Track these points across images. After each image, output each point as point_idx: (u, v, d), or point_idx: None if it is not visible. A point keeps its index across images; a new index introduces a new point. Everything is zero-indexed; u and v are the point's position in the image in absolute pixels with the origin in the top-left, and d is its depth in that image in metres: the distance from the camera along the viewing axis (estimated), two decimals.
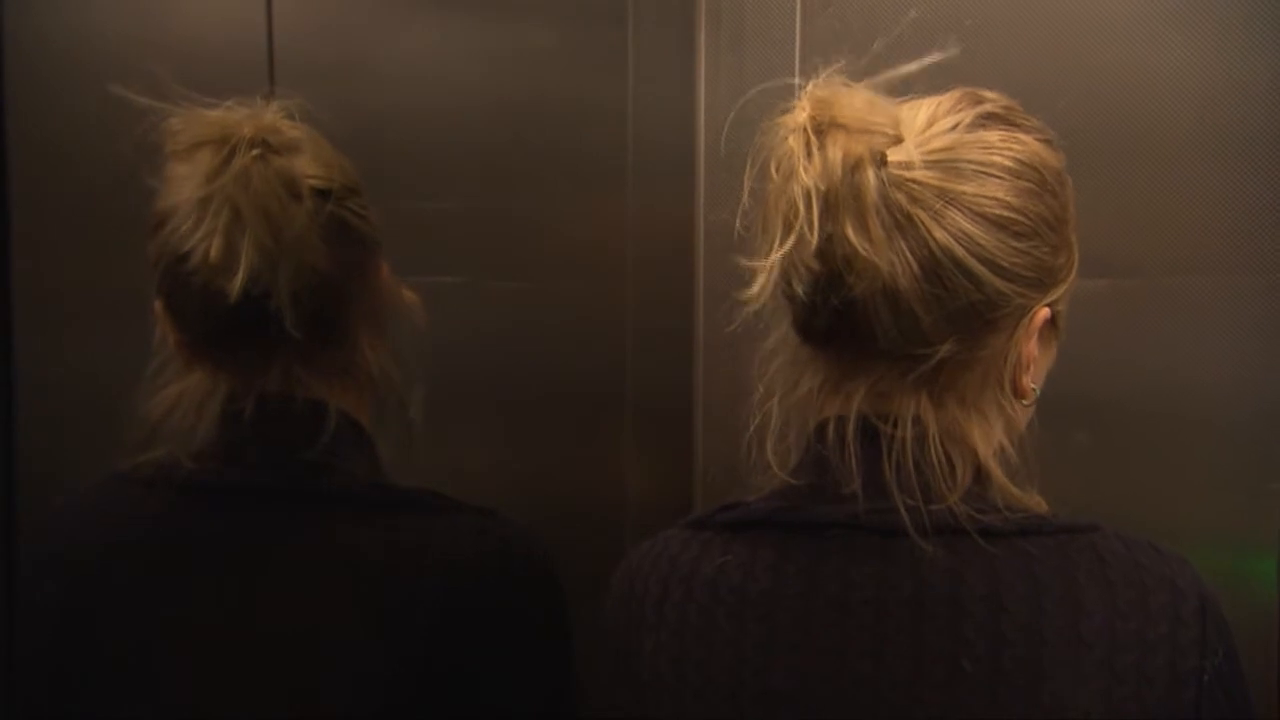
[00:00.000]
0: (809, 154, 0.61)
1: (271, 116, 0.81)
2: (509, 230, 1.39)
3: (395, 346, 0.90)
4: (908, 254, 0.61)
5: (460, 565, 0.79)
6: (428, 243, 1.37)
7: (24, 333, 1.52)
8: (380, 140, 1.31)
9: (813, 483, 0.67)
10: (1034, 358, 0.67)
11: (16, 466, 1.52)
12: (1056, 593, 0.61)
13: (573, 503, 1.39)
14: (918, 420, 0.65)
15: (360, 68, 1.39)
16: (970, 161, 0.63)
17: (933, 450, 0.64)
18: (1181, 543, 0.66)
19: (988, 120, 0.65)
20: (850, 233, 0.60)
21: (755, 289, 0.63)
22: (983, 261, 0.62)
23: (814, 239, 0.60)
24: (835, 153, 0.61)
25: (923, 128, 0.64)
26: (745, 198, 0.65)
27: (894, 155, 0.62)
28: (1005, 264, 0.63)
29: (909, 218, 0.61)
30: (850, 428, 0.65)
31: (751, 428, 0.69)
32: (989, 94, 0.67)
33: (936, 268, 0.61)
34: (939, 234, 0.61)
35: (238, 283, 0.75)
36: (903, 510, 0.63)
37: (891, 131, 0.63)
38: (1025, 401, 0.68)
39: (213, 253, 0.75)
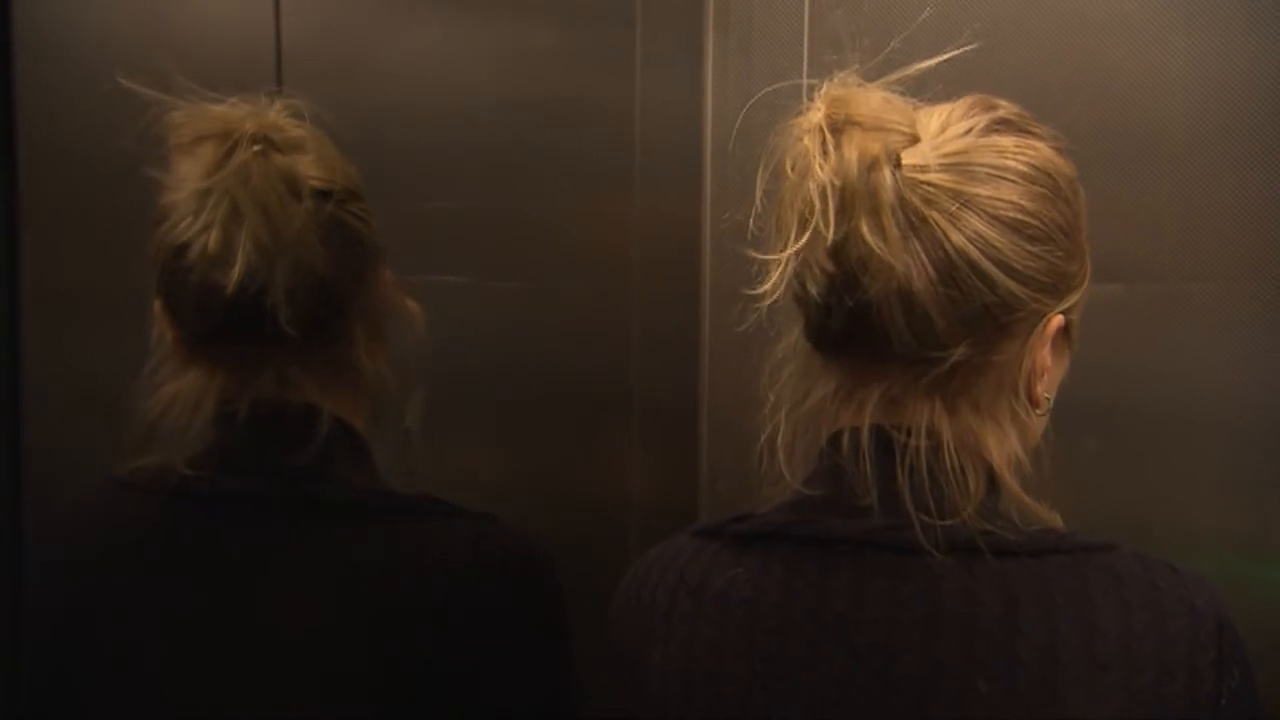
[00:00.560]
0: (825, 151, 0.61)
1: (275, 114, 0.81)
2: (514, 231, 1.39)
3: (394, 353, 0.90)
4: (922, 255, 0.61)
5: (459, 571, 0.79)
6: (432, 242, 1.38)
7: (29, 332, 1.52)
8: (386, 139, 1.31)
9: (827, 494, 0.67)
10: (1047, 366, 0.66)
11: (23, 465, 1.52)
12: (1072, 613, 0.60)
13: (577, 504, 1.39)
14: (932, 429, 0.64)
15: (367, 67, 1.40)
16: (984, 165, 0.63)
17: (947, 459, 0.64)
18: (1194, 548, 0.66)
19: (1001, 126, 0.65)
20: (866, 231, 0.60)
21: (769, 284, 0.62)
22: (997, 264, 0.62)
23: (829, 235, 0.60)
24: (851, 151, 0.61)
25: (937, 132, 0.64)
26: (759, 198, 0.65)
27: (908, 158, 0.62)
28: (1019, 267, 0.62)
29: (924, 219, 0.61)
30: (864, 437, 0.65)
31: (762, 438, 0.68)
32: (1001, 102, 0.67)
33: (951, 270, 0.61)
34: (955, 236, 0.61)
35: (234, 276, 0.75)
36: (918, 527, 0.62)
37: (908, 130, 0.63)
38: (1039, 411, 0.67)
39: (210, 245, 0.75)
